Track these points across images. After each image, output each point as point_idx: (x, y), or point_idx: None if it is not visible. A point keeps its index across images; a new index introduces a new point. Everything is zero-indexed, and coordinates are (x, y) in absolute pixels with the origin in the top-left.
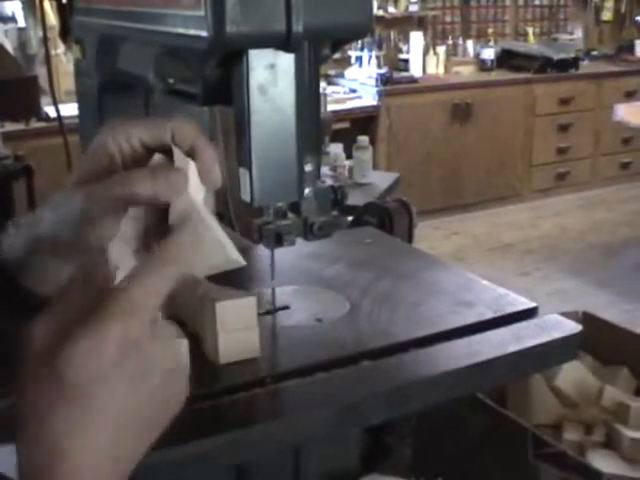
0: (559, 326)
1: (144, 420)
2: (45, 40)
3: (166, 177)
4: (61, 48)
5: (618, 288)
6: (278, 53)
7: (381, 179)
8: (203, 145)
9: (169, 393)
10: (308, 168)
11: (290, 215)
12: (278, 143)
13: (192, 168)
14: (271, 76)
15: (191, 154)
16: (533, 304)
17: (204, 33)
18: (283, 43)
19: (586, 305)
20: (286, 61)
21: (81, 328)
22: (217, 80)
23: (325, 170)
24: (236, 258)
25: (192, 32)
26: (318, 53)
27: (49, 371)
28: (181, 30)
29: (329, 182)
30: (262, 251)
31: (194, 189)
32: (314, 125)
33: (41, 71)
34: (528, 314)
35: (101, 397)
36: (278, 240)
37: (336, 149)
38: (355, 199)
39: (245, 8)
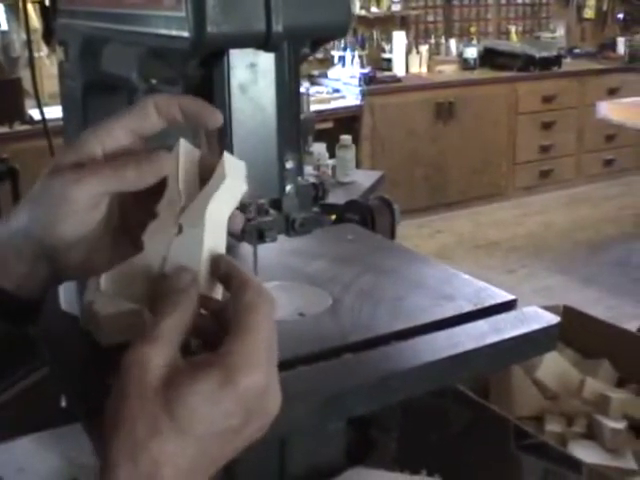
0: (537, 318)
1: (218, 458)
2: (29, 43)
3: (149, 160)
4: (44, 50)
5: (603, 284)
6: (258, 53)
7: (364, 178)
8: (187, 100)
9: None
10: (289, 165)
11: (272, 212)
12: (259, 141)
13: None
14: (252, 75)
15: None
16: (512, 297)
17: (185, 34)
18: (263, 43)
19: (571, 302)
20: (266, 60)
21: (205, 375)
22: (199, 80)
23: (308, 169)
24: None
25: (174, 33)
26: (298, 52)
27: (161, 405)
28: (163, 31)
29: (310, 179)
30: (245, 248)
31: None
32: (294, 123)
33: (25, 74)
34: (507, 307)
35: (198, 435)
36: (260, 236)
37: (319, 148)
38: (338, 198)
39: (225, 9)
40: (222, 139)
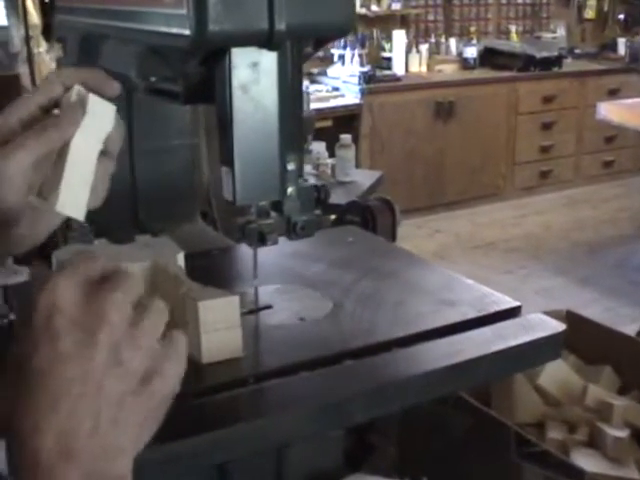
0: (542, 325)
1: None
2: (27, 39)
3: (64, 116)
4: (44, 47)
5: (601, 286)
6: (261, 51)
7: (364, 177)
8: (88, 72)
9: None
10: (291, 167)
11: (273, 214)
12: (260, 142)
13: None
14: (254, 74)
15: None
16: (516, 303)
17: (186, 31)
18: (265, 41)
19: (570, 303)
20: (269, 59)
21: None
22: (199, 78)
23: (308, 168)
24: (65, 210)
25: (174, 30)
26: (300, 51)
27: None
28: (163, 28)
29: (312, 181)
30: (244, 250)
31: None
32: (296, 124)
33: (24, 70)
34: (511, 313)
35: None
36: (261, 239)
37: (319, 147)
38: (338, 198)
39: (227, 6)
40: (222, 137)
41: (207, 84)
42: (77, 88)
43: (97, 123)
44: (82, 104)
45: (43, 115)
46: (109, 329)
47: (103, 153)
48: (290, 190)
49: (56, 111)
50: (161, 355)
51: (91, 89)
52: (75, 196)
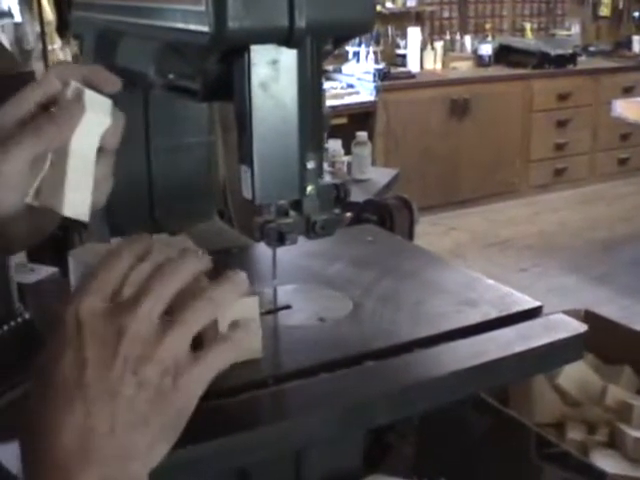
0: (564, 326)
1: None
2: (42, 35)
3: (62, 112)
4: (58, 43)
5: (616, 284)
6: (280, 49)
7: (380, 175)
8: (87, 69)
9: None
10: (310, 165)
11: (292, 213)
12: (280, 140)
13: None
14: (273, 72)
15: (84, 81)
16: (537, 303)
17: (205, 28)
18: (285, 39)
19: (585, 301)
20: (288, 57)
21: None
22: (218, 76)
23: (324, 166)
24: (71, 213)
25: (193, 27)
26: (320, 49)
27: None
28: (181, 25)
29: (330, 179)
30: (262, 250)
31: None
32: (316, 122)
33: (38, 66)
34: (532, 313)
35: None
36: (280, 239)
37: (335, 145)
38: (354, 195)
39: (247, 3)
40: (240, 135)
41: (226, 81)
42: (73, 84)
43: (94, 119)
44: (79, 101)
45: (41, 112)
46: (127, 344)
47: (100, 149)
48: (309, 189)
49: (73, 84)
50: (181, 368)
51: (91, 85)
52: (79, 197)
